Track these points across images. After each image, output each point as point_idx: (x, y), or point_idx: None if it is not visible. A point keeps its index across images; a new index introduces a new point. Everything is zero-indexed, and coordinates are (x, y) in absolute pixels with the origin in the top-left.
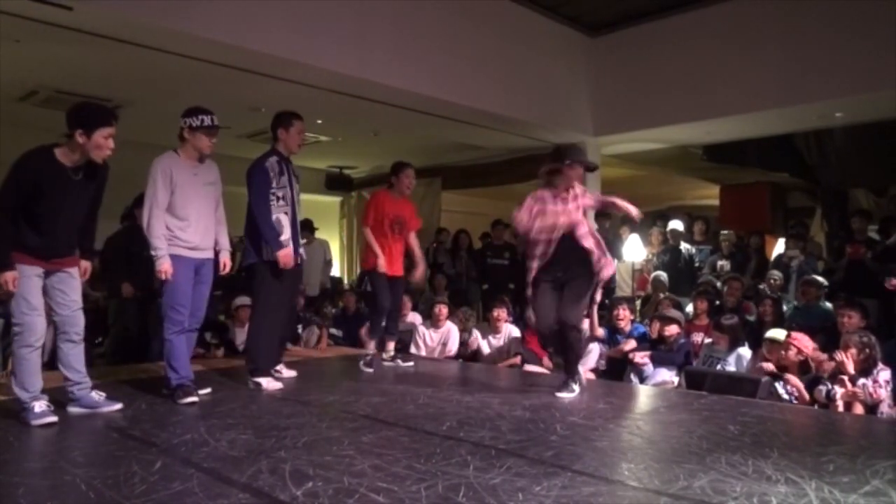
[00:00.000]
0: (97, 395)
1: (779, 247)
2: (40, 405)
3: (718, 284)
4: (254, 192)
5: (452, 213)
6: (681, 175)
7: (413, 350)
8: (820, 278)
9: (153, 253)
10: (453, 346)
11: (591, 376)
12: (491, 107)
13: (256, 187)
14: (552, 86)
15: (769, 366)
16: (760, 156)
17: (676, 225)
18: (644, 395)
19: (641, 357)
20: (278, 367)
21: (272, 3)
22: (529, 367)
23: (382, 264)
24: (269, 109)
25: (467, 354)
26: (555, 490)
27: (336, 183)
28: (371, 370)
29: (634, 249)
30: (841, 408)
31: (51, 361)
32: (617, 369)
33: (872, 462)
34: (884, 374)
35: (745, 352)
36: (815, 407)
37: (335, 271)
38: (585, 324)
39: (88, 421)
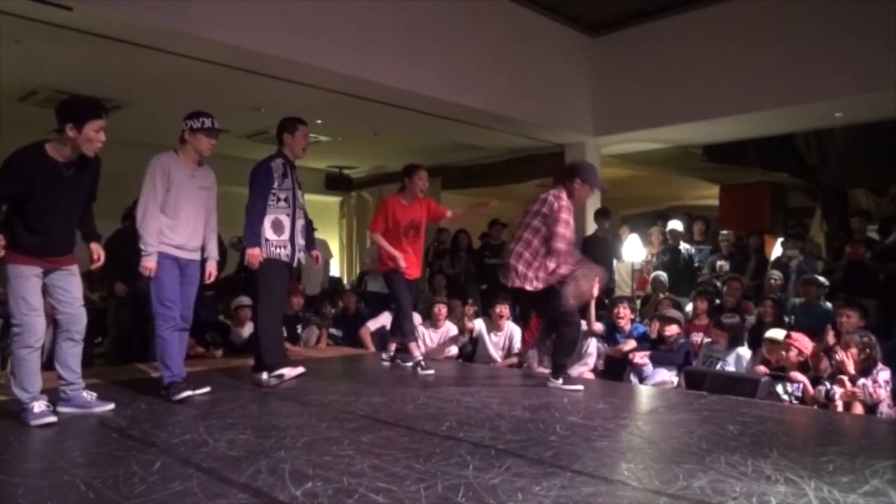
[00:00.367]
0: (88, 396)
1: (776, 248)
2: (39, 405)
3: (718, 284)
4: (253, 190)
5: None
6: (681, 175)
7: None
8: (820, 278)
9: (142, 247)
10: (453, 347)
11: (591, 376)
12: (491, 107)
13: (257, 186)
14: (552, 86)
15: (763, 369)
16: (760, 156)
17: (676, 225)
18: (644, 396)
19: (641, 357)
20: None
21: (271, 3)
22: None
23: (403, 264)
24: (268, 109)
25: (466, 342)
26: (554, 490)
27: (336, 183)
28: (431, 372)
29: (634, 249)
30: (840, 408)
31: (48, 362)
32: (616, 369)
33: (872, 462)
34: (883, 373)
35: (745, 352)
36: (815, 407)
37: (334, 271)
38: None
39: (88, 421)
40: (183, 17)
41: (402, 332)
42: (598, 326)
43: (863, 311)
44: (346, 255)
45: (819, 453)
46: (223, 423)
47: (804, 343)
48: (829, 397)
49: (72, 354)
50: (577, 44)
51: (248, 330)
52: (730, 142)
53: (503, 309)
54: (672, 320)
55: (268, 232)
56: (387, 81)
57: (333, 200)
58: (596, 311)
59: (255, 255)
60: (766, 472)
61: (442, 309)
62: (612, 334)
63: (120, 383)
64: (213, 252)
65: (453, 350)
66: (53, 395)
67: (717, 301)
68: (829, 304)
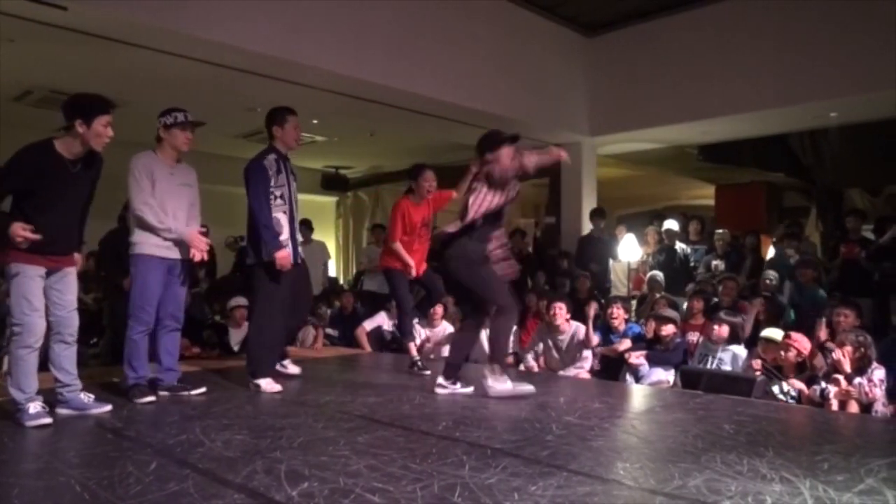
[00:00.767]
0: (86, 397)
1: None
2: (35, 406)
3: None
4: (252, 192)
5: (451, 213)
6: (676, 175)
7: None
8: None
9: (165, 235)
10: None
11: (587, 376)
12: (487, 106)
13: (255, 186)
14: (548, 86)
15: (757, 362)
16: (756, 156)
17: (672, 225)
18: (640, 395)
19: (637, 357)
20: (285, 363)
21: (267, 2)
22: (524, 366)
23: (413, 273)
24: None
25: None
26: (550, 490)
27: (332, 183)
28: (428, 372)
29: (630, 249)
30: (835, 406)
31: (43, 363)
32: (613, 369)
33: (867, 461)
34: (878, 372)
35: (741, 351)
36: (810, 406)
37: (331, 271)
38: (580, 331)
39: (83, 422)
40: (178, 16)
41: (401, 331)
42: (595, 340)
43: (858, 310)
44: (342, 255)
45: (814, 452)
46: (219, 424)
47: (803, 343)
48: (824, 396)
49: (65, 357)
50: (573, 44)
51: (244, 330)
52: (725, 142)
53: None
54: (668, 320)
55: None
56: (383, 81)
57: (329, 200)
58: (594, 324)
59: (283, 256)
60: (762, 470)
61: (437, 308)
62: (606, 335)
63: (115, 384)
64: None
65: (447, 350)
66: (50, 397)
67: (714, 300)
68: (822, 293)
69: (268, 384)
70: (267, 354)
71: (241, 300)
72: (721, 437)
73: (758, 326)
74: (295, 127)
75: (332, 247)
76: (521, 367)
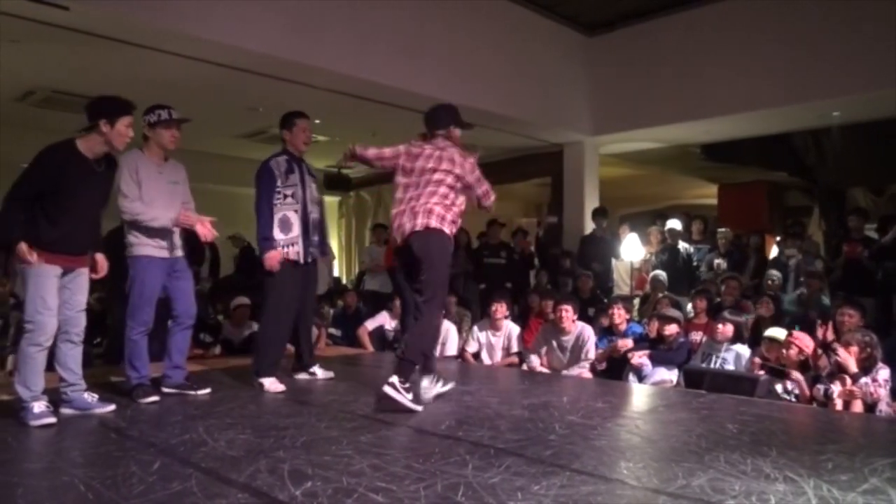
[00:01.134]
0: (90, 397)
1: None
2: (39, 405)
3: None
4: (257, 192)
5: None
6: (679, 174)
7: None
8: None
9: (167, 224)
10: (451, 346)
11: (590, 376)
12: (488, 106)
13: (260, 187)
14: (550, 85)
15: (758, 360)
16: (759, 155)
17: (675, 224)
18: (643, 394)
19: (640, 356)
20: (313, 369)
21: (269, 2)
22: (529, 366)
23: None
24: (266, 109)
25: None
26: (553, 489)
27: (334, 183)
28: None
29: (633, 248)
30: (839, 406)
31: (49, 362)
32: (616, 369)
33: (871, 460)
34: (883, 372)
35: (744, 350)
36: (814, 405)
37: (334, 271)
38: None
39: (86, 421)
40: (180, 17)
41: (403, 330)
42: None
43: (862, 310)
44: (345, 254)
45: (818, 452)
46: (222, 423)
47: (805, 342)
48: (828, 396)
49: (71, 356)
50: (574, 43)
51: (246, 329)
52: (728, 141)
53: (499, 308)
54: (671, 319)
55: (276, 231)
56: (385, 81)
57: (332, 200)
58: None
59: (272, 257)
60: (766, 470)
61: None
62: (607, 335)
63: (118, 384)
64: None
65: (451, 349)
66: (54, 396)
67: (717, 300)
68: (827, 300)
69: (271, 384)
70: (272, 353)
71: (243, 300)
72: (725, 436)
73: (760, 326)
74: (303, 130)
75: (334, 246)
76: (524, 367)
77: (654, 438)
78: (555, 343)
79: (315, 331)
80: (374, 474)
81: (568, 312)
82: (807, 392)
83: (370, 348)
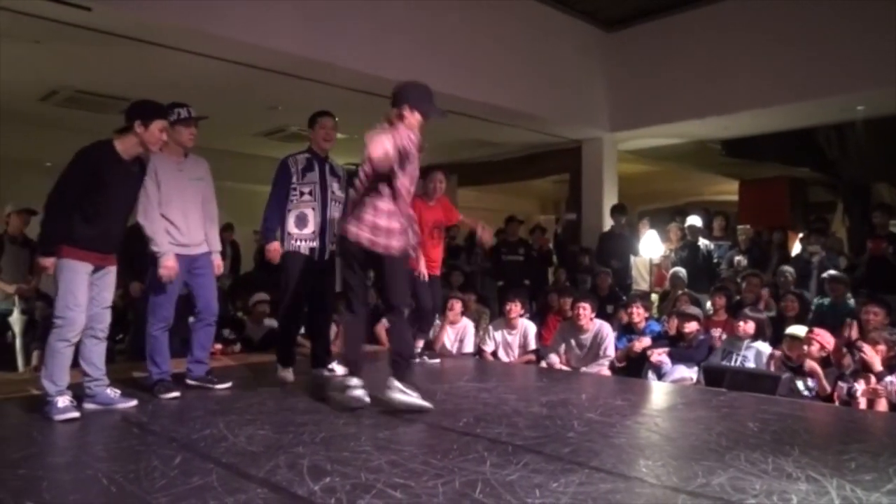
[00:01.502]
0: (112, 392)
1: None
2: (64, 400)
3: (738, 280)
4: (271, 187)
5: (468, 210)
6: (699, 170)
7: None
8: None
9: (154, 249)
10: (469, 343)
11: (608, 373)
12: (507, 102)
13: (273, 182)
14: (568, 81)
15: (778, 353)
16: (780, 150)
17: (695, 221)
18: (662, 392)
19: (659, 354)
20: (331, 365)
21: (289, 1)
22: (547, 363)
23: (424, 273)
24: (285, 108)
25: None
26: (572, 486)
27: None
28: (438, 360)
29: (652, 245)
30: (863, 405)
31: (73, 358)
32: (635, 366)
33: (895, 460)
34: None
35: (765, 348)
36: (837, 404)
37: None
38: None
39: (109, 416)
40: (201, 16)
41: (419, 328)
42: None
43: (888, 307)
44: None
45: (841, 451)
46: (242, 419)
47: (826, 338)
48: (852, 394)
49: (95, 351)
50: (593, 39)
51: (265, 326)
52: (749, 136)
53: (514, 307)
54: (691, 317)
55: (290, 226)
56: (403, 78)
57: None
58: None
59: (271, 249)
60: (787, 469)
61: (455, 305)
62: (626, 333)
63: (140, 379)
64: (214, 244)
65: (469, 347)
66: (78, 391)
67: (737, 297)
68: (852, 302)
69: (281, 371)
70: (287, 344)
71: (262, 296)
72: (745, 434)
73: (783, 323)
74: (323, 128)
75: None
76: (543, 364)
77: (674, 436)
78: (573, 341)
79: (334, 327)
80: (392, 470)
81: (586, 310)
82: (826, 387)
83: (387, 345)
